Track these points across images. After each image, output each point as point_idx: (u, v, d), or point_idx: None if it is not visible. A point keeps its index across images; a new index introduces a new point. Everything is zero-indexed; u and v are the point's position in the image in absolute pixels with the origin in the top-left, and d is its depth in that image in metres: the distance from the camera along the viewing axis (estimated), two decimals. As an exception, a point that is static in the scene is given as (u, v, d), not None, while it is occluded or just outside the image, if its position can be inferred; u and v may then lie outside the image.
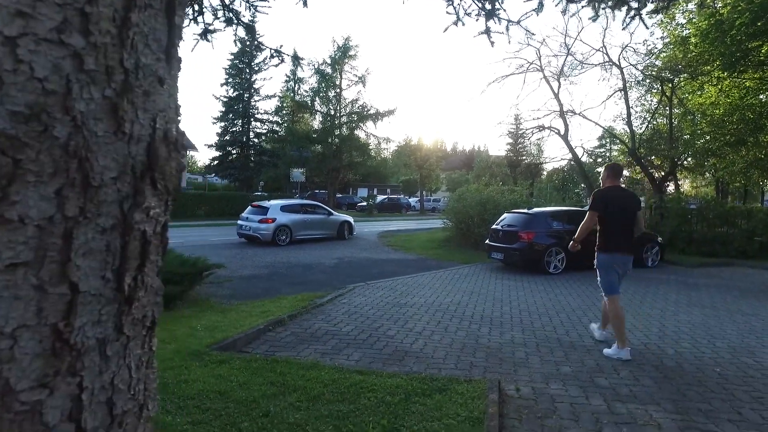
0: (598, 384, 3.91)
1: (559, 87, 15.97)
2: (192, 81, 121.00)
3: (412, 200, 46.97)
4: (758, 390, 3.87)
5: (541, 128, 16.65)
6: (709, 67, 11.82)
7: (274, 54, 4.69)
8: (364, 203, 38.42)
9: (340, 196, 44.11)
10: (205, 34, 3.73)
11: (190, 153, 42.63)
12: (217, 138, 35.47)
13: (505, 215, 11.25)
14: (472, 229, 14.46)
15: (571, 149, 16.73)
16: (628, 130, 16.02)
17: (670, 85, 13.99)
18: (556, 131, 16.78)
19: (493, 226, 11.18)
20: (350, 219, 17.59)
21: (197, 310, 6.35)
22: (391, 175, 62.27)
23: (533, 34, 17.48)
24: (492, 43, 3.13)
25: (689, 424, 3.23)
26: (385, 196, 41.74)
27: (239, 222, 15.31)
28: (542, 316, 6.38)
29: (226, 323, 5.44)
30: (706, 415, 3.39)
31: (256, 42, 5.55)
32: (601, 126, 16.96)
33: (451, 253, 13.43)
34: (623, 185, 5.33)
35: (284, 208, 15.16)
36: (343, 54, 32.89)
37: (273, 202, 15.87)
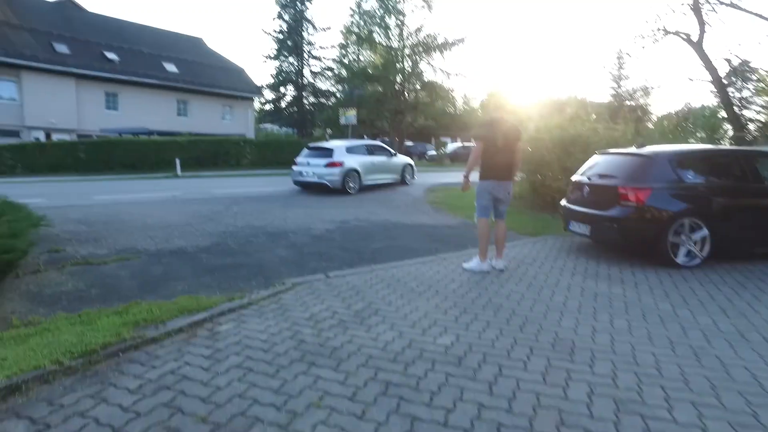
0: None
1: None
2: (241, 16, 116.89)
3: (493, 149, 41.36)
4: None
5: (664, 32, 11.07)
6: None
7: None
8: (434, 152, 34.01)
9: (412, 144, 39.98)
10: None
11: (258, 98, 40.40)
12: (272, 80, 32.51)
13: (595, 158, 6.72)
14: (548, 183, 9.98)
15: (709, 64, 11.09)
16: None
17: None
18: (684, 37, 11.13)
19: (575, 177, 6.74)
20: (411, 161, 15.71)
21: None
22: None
23: None
24: None
25: None
26: (460, 144, 36.80)
27: (296, 168, 13.06)
28: None
29: None
30: None
31: None
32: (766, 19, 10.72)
33: (513, 218, 9.14)
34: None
35: (350, 150, 13.01)
36: (407, -27, 27.72)
37: (335, 142, 13.80)
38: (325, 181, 12.36)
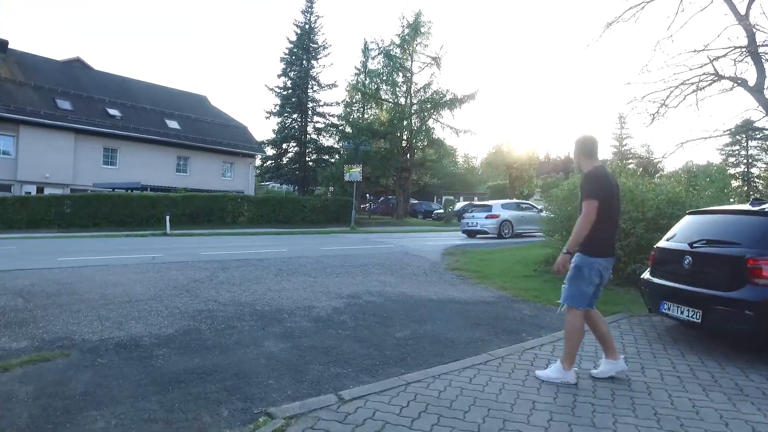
0: None
1: (751, 2, 9.22)
2: (246, 74, 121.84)
3: (500, 207, 40.18)
4: None
5: (715, 77, 9.82)
6: None
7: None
8: (441, 210, 32.70)
9: (416, 202, 38.86)
10: None
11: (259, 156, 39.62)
12: (274, 135, 31.69)
13: (689, 219, 5.13)
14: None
15: (771, 108, 9.76)
16: None
17: None
18: (738, 82, 9.91)
19: (663, 243, 5.11)
20: None
21: None
22: (479, 183, 57.10)
23: None
24: None
25: None
26: (467, 202, 35.58)
27: (464, 220, 18.04)
28: None
29: None
30: None
31: None
32: None
33: (555, 290, 7.44)
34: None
35: (504, 206, 17.43)
36: (413, 32, 27.58)
37: (494, 201, 18.74)
38: (486, 229, 16.57)
